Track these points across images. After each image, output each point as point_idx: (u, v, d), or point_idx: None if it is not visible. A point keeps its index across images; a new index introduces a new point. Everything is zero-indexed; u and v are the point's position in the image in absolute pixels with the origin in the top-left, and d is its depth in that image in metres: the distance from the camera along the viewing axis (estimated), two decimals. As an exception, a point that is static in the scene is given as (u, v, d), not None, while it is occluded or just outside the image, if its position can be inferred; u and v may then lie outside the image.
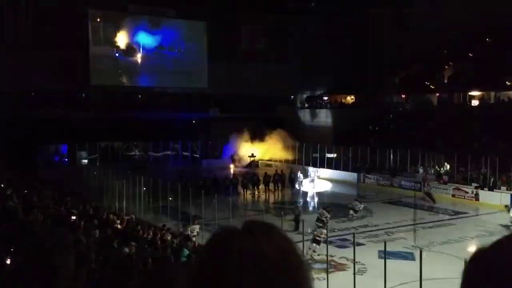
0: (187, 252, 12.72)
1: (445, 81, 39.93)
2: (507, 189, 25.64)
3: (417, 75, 42.90)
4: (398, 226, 20.80)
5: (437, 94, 40.84)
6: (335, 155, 36.43)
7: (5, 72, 35.93)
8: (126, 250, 9.19)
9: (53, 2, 36.80)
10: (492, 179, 26.88)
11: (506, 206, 23.60)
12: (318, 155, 36.36)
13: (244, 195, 28.38)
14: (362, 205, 22.36)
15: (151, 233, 14.41)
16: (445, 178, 29.01)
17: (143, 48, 42.20)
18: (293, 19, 47.30)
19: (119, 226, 14.29)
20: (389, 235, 19.28)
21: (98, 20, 40.15)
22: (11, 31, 36.37)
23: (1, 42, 35.63)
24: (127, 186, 23.47)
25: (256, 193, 28.95)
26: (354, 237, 12.90)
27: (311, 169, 34.36)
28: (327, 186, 31.83)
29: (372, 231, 20.25)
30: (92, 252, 6.96)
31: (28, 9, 36.69)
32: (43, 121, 36.91)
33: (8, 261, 2.20)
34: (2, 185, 13.41)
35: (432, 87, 40.53)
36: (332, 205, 26.54)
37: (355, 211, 21.91)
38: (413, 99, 42.65)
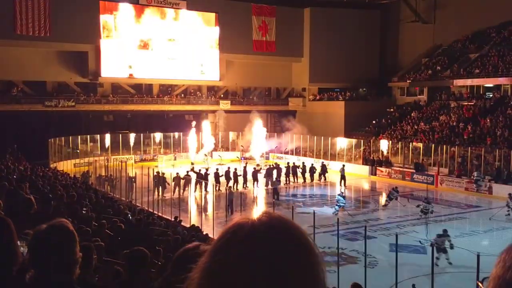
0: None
1: (461, 73, 39.39)
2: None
3: (432, 67, 42.39)
4: (409, 220, 20.69)
5: (452, 86, 40.32)
6: (346, 147, 36.23)
7: (17, 64, 36.20)
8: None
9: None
10: (506, 172, 26.60)
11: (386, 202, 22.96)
12: (329, 147, 36.21)
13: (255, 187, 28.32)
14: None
15: (162, 225, 14.46)
16: (458, 171, 28.74)
17: (155, 40, 42.20)
18: (305, 10, 46.90)
19: (131, 218, 14.33)
20: (400, 228, 19.17)
21: (109, 12, 40.20)
22: (24, 23, 36.55)
23: (12, 34, 35.81)
24: (139, 177, 23.63)
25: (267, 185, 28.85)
26: (365, 230, 12.84)
27: (322, 162, 34.17)
28: (336, 179, 31.69)
29: (383, 224, 20.17)
30: (103, 243, 7.01)
31: (40, 1, 36.79)
32: (55, 113, 37.19)
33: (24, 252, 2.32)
34: (14, 176, 13.51)
35: (447, 79, 40.01)
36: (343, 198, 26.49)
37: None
38: (427, 91, 42.16)
